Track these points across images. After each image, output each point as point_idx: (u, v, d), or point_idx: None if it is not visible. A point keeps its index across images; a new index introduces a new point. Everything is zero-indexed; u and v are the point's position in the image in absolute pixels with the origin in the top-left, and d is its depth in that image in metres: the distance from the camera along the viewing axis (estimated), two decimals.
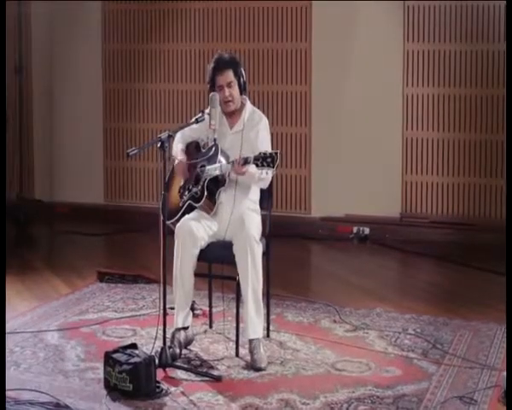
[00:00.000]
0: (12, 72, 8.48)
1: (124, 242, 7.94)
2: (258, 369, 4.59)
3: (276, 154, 4.47)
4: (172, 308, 4.91)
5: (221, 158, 4.83)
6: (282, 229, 7.33)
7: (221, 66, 4.88)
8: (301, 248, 7.71)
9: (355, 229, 7.93)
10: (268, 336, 5.10)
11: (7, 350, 4.83)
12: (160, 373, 4.43)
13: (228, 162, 4.77)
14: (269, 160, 4.47)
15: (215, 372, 4.57)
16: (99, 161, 8.93)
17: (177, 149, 5.02)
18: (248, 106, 5.03)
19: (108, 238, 8.11)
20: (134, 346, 4.45)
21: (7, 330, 5.12)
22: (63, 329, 5.26)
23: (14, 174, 8.66)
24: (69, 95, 8.93)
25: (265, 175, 4.61)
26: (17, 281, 6.41)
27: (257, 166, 4.51)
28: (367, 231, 7.89)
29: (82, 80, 8.87)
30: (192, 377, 4.50)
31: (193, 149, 5.06)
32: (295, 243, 7.77)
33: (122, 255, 7.42)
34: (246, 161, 4.58)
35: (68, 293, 6.11)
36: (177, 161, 4.98)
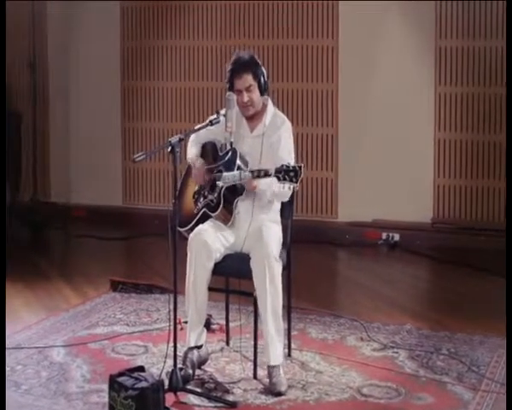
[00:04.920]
0: (26, 69, 8.22)
1: (140, 247, 7.61)
2: (278, 394, 4.23)
3: (300, 168, 4.07)
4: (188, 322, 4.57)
5: (239, 163, 4.46)
6: (306, 234, 7.06)
7: (239, 69, 4.50)
8: (327, 255, 7.34)
9: (384, 235, 7.55)
10: (289, 355, 4.73)
11: (8, 368, 4.51)
12: (169, 398, 4.09)
13: (247, 169, 4.39)
14: (291, 174, 4.07)
15: (230, 397, 4.22)
16: (117, 162, 8.62)
17: (192, 152, 4.67)
18: (270, 108, 4.65)
19: (125, 243, 7.78)
20: (141, 368, 4.09)
21: (10, 346, 4.81)
22: (70, 345, 4.92)
23: (29, 175, 8.40)
24: (86, 93, 8.63)
25: (283, 190, 4.24)
26: (27, 289, 6.12)
27: (278, 179, 4.11)
28: (396, 237, 7.50)
29: (99, 78, 8.57)
30: (205, 402, 4.16)
31: (209, 150, 4.70)
32: (321, 249, 7.41)
33: (138, 262, 7.11)
34: (266, 174, 4.20)
35: (79, 304, 5.78)
36: (195, 167, 4.61)
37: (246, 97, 4.49)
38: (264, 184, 4.37)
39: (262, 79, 4.52)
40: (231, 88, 4.54)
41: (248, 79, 4.48)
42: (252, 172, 4.31)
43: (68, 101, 8.72)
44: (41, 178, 8.54)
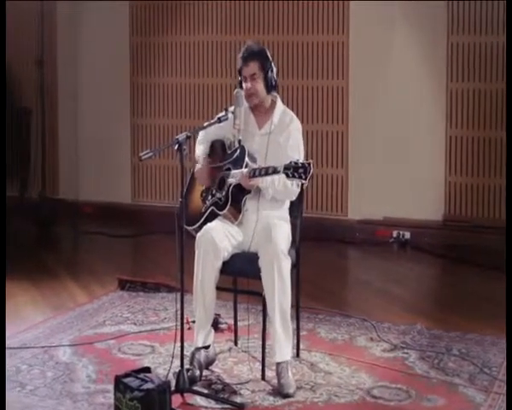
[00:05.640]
0: (35, 66, 8.18)
1: (149, 244, 7.54)
2: (286, 395, 4.16)
3: (309, 164, 3.99)
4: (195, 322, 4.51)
5: (248, 161, 4.39)
6: (316, 232, 6.98)
7: (247, 56, 4.47)
8: (337, 254, 7.25)
9: (395, 233, 7.46)
10: (298, 355, 4.66)
11: (13, 368, 4.46)
12: (176, 399, 4.02)
13: (256, 167, 4.33)
14: (301, 170, 3.99)
15: (238, 398, 4.15)
16: (126, 159, 8.55)
17: (200, 151, 4.61)
18: (279, 106, 4.58)
19: (133, 241, 7.72)
20: (147, 369, 4.03)
21: (16, 345, 4.76)
22: (76, 344, 4.86)
23: (37, 172, 8.35)
24: (95, 90, 8.57)
25: (290, 188, 4.15)
26: (33, 287, 6.05)
27: (287, 176, 4.04)
28: (407, 235, 7.41)
29: (108, 75, 8.50)
30: (212, 403, 4.09)
31: (218, 148, 4.65)
32: (330, 247, 7.33)
33: (146, 260, 7.04)
34: (274, 171, 4.13)
35: (86, 302, 5.71)
36: (197, 167, 4.56)
37: (249, 85, 4.44)
38: (265, 181, 4.30)
39: (269, 72, 4.46)
40: (241, 82, 4.49)
41: (254, 66, 4.44)
42: (260, 169, 4.24)
43: (77, 97, 8.66)
44: (49, 174, 8.49)
